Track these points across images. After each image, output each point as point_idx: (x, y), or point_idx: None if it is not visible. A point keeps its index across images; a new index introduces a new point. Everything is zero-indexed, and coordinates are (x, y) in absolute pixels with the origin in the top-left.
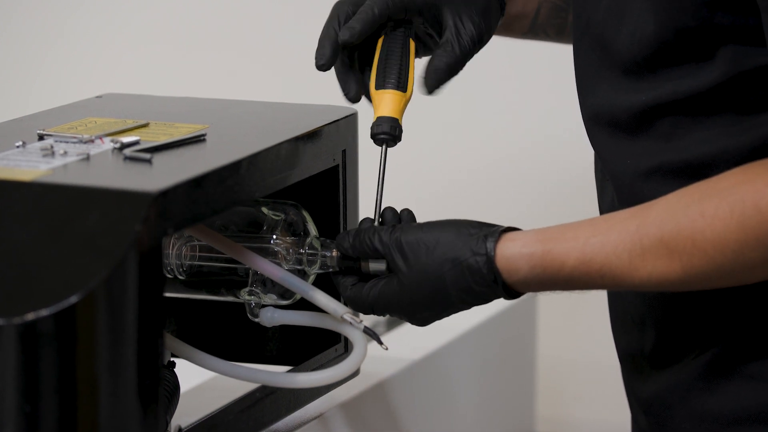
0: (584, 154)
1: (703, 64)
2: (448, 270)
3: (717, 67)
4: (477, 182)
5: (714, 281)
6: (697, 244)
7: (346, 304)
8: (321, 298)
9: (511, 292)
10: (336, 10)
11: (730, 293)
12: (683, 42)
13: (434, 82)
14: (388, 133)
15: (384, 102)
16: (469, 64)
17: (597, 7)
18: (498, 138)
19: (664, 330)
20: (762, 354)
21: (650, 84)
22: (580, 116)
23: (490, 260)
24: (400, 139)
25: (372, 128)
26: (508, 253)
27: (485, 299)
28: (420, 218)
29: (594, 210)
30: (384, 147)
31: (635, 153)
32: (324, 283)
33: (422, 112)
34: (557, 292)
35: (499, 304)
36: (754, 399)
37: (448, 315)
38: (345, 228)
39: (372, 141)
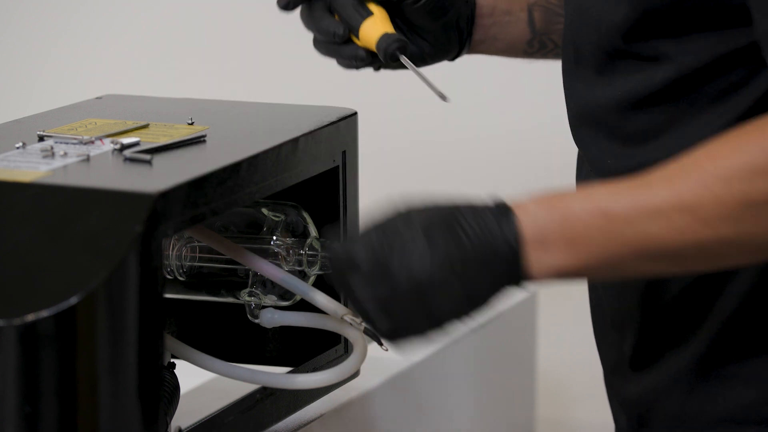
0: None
1: (673, 52)
2: (456, 211)
3: (687, 56)
4: (463, 177)
5: (725, 229)
6: (707, 183)
7: (346, 304)
8: (321, 299)
9: (515, 236)
10: None
11: (711, 295)
12: (652, 27)
13: None
14: (398, 39)
15: (377, 23)
16: (467, 66)
17: (567, 7)
18: (488, 139)
19: (643, 333)
20: (741, 355)
21: (622, 78)
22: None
23: (496, 200)
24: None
25: (380, 46)
26: (512, 199)
27: (494, 246)
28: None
29: None
30: (404, 57)
31: (615, 154)
32: (324, 285)
33: (409, 108)
34: (559, 248)
35: (500, 305)
36: (734, 400)
37: (467, 279)
38: (345, 229)
39: (387, 61)
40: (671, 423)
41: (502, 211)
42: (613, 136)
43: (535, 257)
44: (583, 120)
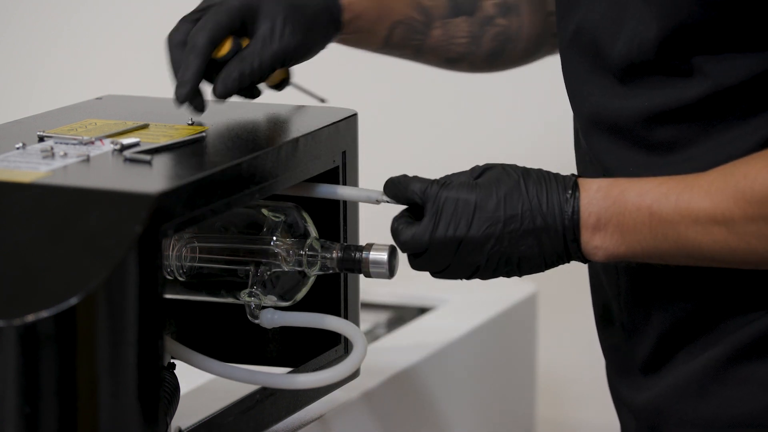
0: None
1: (709, 68)
2: (526, 174)
3: (724, 73)
4: None
5: (755, 243)
6: (739, 203)
7: (402, 246)
8: (347, 191)
9: (575, 219)
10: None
11: (724, 299)
12: (687, 42)
13: (223, 90)
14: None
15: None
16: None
17: (588, 14)
18: (488, 139)
19: (658, 337)
20: (756, 359)
21: (651, 91)
22: (557, 123)
23: (570, 179)
24: None
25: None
26: (583, 179)
27: (552, 210)
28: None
29: None
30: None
31: (637, 164)
32: (323, 285)
33: (409, 108)
34: (606, 239)
35: (500, 305)
36: (748, 404)
37: (515, 230)
38: (345, 230)
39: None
40: (684, 427)
41: (568, 186)
42: (636, 145)
43: (586, 238)
44: (600, 127)
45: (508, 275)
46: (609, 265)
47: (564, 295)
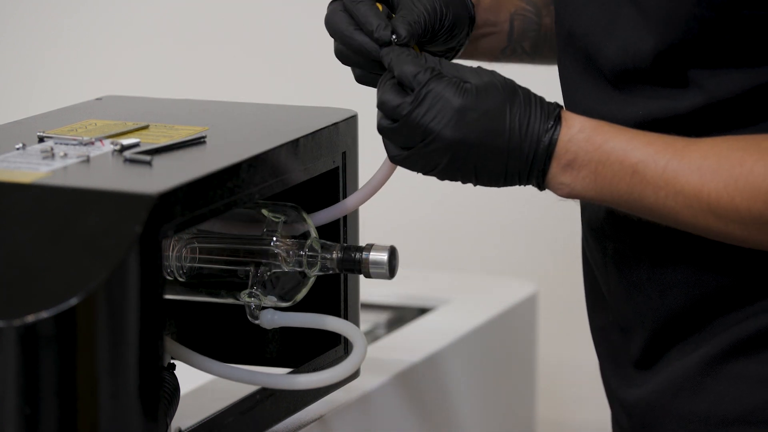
0: None
1: (704, 81)
2: (513, 94)
3: (719, 86)
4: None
5: (733, 228)
6: (729, 189)
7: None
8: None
9: (549, 151)
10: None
11: (718, 295)
12: (683, 56)
13: (405, 28)
14: None
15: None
16: None
17: (578, 18)
18: None
19: (653, 335)
20: (748, 354)
21: (645, 99)
22: None
23: (554, 109)
24: None
25: None
26: (566, 113)
27: (528, 136)
28: (409, 228)
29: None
30: None
31: None
32: (323, 285)
33: None
34: (577, 186)
35: (500, 305)
36: (743, 399)
37: (482, 149)
38: (345, 230)
39: None
40: (678, 423)
41: (551, 115)
42: None
43: (555, 172)
44: None
45: (463, 182)
46: (599, 261)
47: (564, 295)
